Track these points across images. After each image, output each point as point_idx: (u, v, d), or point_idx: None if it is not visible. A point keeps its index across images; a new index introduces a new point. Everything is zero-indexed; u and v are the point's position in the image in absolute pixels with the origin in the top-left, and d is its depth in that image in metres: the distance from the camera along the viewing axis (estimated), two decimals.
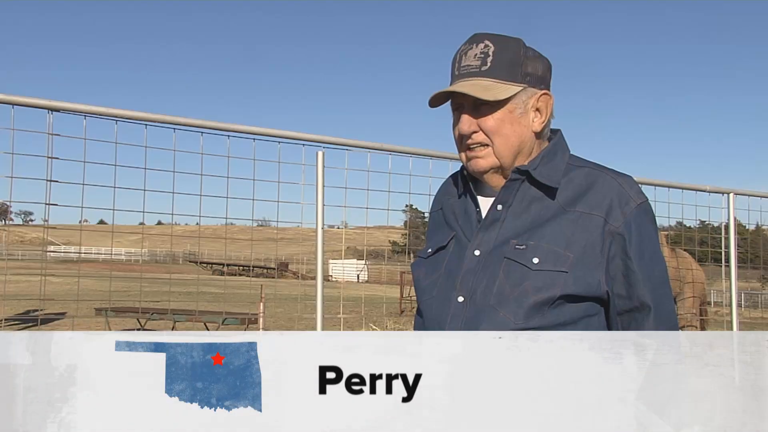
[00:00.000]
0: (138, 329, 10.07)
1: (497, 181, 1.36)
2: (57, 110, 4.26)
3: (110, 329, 10.01)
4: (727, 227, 7.06)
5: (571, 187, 1.30)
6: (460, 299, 1.27)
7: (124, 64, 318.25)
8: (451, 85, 1.34)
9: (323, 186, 5.15)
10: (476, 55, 1.32)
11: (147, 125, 4.59)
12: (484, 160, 1.33)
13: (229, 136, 4.85)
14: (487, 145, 1.33)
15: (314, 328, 5.13)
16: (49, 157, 4.21)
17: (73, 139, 4.39)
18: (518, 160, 1.34)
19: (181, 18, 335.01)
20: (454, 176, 1.50)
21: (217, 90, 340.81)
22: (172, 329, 10.33)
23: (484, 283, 1.26)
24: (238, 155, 4.95)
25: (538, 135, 1.36)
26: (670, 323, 1.30)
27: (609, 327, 1.29)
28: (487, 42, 1.32)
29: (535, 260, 1.23)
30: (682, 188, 6.99)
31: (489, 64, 1.31)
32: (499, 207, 1.33)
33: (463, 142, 1.36)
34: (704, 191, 7.07)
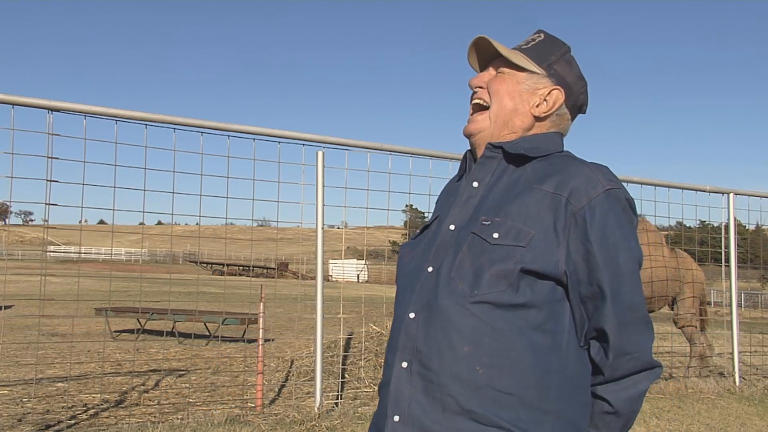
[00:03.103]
0: (138, 329, 10.07)
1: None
2: (57, 110, 4.25)
3: (110, 329, 10.01)
4: (727, 227, 7.08)
5: (543, 166, 1.32)
6: (430, 269, 1.30)
7: (125, 64, 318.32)
8: None
9: (323, 186, 5.15)
10: (527, 40, 1.44)
11: (147, 125, 4.59)
12: (475, 124, 1.40)
13: (229, 136, 4.85)
14: (486, 107, 1.40)
15: (314, 328, 5.14)
16: (49, 157, 4.21)
17: (73, 139, 4.39)
18: (507, 130, 1.38)
19: (181, 18, 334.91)
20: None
21: (217, 90, 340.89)
22: (172, 329, 10.33)
23: (451, 256, 1.28)
24: (238, 155, 4.95)
25: (538, 120, 1.39)
26: (632, 314, 1.26)
27: (572, 312, 1.27)
28: (541, 34, 1.44)
29: (495, 235, 1.25)
30: (682, 188, 6.99)
31: (529, 45, 1.41)
32: (475, 184, 1.36)
33: (471, 97, 1.44)
34: (704, 191, 7.07)
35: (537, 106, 1.38)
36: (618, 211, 1.27)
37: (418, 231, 1.47)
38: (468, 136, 1.42)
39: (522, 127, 1.38)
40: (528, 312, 1.22)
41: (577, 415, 1.26)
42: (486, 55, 1.44)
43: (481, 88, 1.42)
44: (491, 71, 1.43)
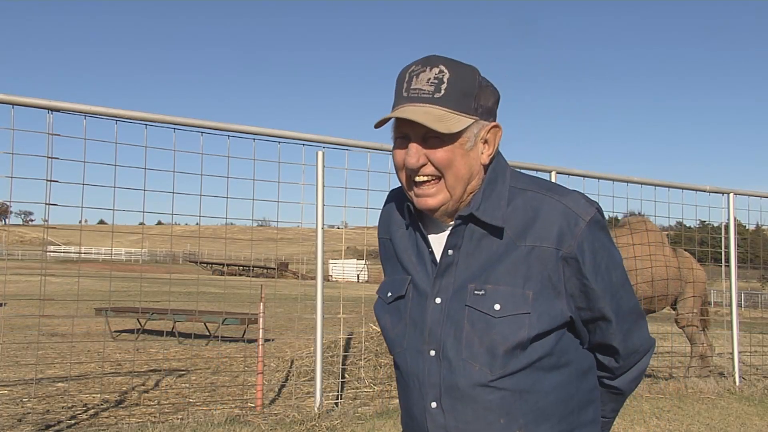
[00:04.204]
0: (138, 329, 10.07)
1: (445, 218, 1.32)
2: (57, 110, 4.25)
3: (110, 329, 10.00)
4: (727, 227, 7.08)
5: (517, 215, 1.26)
6: (432, 353, 1.26)
7: (125, 64, 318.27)
8: (398, 106, 1.25)
9: (323, 186, 5.15)
10: (429, 79, 1.24)
11: (147, 125, 4.59)
12: (434, 198, 1.26)
13: (229, 136, 4.85)
14: (438, 177, 1.26)
15: (314, 328, 5.14)
16: (49, 157, 4.21)
17: (73, 139, 4.39)
18: (466, 193, 1.29)
19: (181, 18, 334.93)
20: (398, 200, 1.42)
21: (217, 90, 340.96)
22: (172, 329, 10.32)
23: (452, 335, 1.24)
24: (238, 155, 4.95)
25: (485, 167, 1.31)
26: (632, 317, 1.34)
27: (578, 335, 1.31)
28: (442, 67, 1.24)
29: (497, 307, 1.21)
30: (682, 188, 6.99)
31: (443, 91, 1.23)
32: (450, 252, 1.28)
33: (408, 175, 1.28)
34: (704, 191, 7.07)
35: (482, 153, 1.28)
36: (600, 235, 1.28)
37: (389, 294, 1.37)
38: (430, 212, 1.29)
39: (479, 183, 1.29)
40: (542, 361, 1.24)
41: (594, 411, 1.34)
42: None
43: (423, 165, 1.25)
44: (415, 140, 1.24)
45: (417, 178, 1.27)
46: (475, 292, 1.24)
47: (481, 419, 1.22)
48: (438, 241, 1.31)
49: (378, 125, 1.27)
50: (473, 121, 1.25)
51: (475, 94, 1.25)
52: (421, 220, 1.34)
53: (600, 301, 1.27)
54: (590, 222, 1.25)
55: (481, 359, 1.22)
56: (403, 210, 1.38)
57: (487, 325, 1.22)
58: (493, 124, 1.29)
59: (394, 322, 1.35)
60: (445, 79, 1.23)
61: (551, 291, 1.23)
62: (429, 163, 1.25)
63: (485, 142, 1.28)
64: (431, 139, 1.24)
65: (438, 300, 1.28)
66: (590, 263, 1.25)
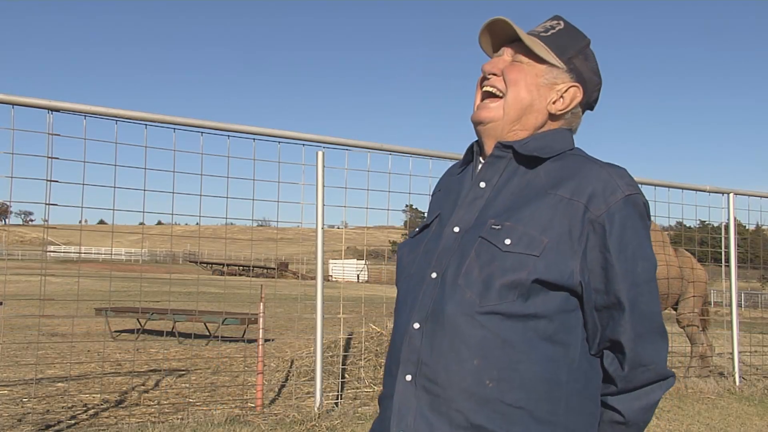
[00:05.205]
0: (138, 329, 10.07)
1: (491, 144, 1.33)
2: (57, 110, 4.25)
3: (110, 329, 10.00)
4: (727, 227, 7.08)
5: (557, 168, 1.26)
6: (434, 276, 1.23)
7: (125, 64, 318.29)
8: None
9: (323, 186, 5.15)
10: (545, 26, 1.36)
11: (147, 125, 4.59)
12: (488, 111, 1.31)
13: (229, 136, 4.85)
14: (501, 96, 1.31)
15: (314, 328, 5.14)
16: (49, 157, 4.21)
17: (73, 139, 4.39)
18: (519, 125, 1.30)
19: (181, 18, 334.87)
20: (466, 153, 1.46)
21: (217, 90, 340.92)
22: (172, 329, 10.32)
23: (457, 262, 1.21)
24: (238, 155, 4.95)
25: (552, 118, 1.33)
26: (650, 324, 1.23)
27: (584, 321, 1.22)
28: (561, 22, 1.36)
29: (507, 241, 1.18)
30: (682, 188, 7.00)
31: (549, 34, 1.34)
32: (482, 184, 1.29)
33: (482, 83, 1.35)
34: (704, 191, 7.07)
35: (554, 102, 1.31)
36: (636, 218, 1.22)
37: (416, 229, 1.38)
38: (478, 123, 1.33)
39: (534, 125, 1.30)
40: (539, 322, 1.17)
41: (586, 426, 1.23)
42: (499, 38, 1.35)
43: (495, 75, 1.32)
44: (506, 57, 1.34)
45: (484, 87, 1.34)
46: (493, 226, 1.21)
47: (455, 353, 1.16)
48: None
49: (484, 28, 1.35)
50: (559, 65, 1.32)
51: (573, 51, 1.34)
52: (480, 155, 1.37)
53: (617, 283, 1.19)
54: (629, 197, 1.21)
55: (475, 288, 1.18)
56: (465, 155, 1.42)
57: (491, 257, 1.18)
58: (574, 82, 1.33)
59: (410, 250, 1.35)
60: (556, 29, 1.35)
61: (567, 248, 1.18)
62: (501, 78, 1.32)
63: (561, 96, 1.32)
64: (515, 63, 1.32)
65: (456, 229, 1.26)
66: (617, 237, 1.19)
